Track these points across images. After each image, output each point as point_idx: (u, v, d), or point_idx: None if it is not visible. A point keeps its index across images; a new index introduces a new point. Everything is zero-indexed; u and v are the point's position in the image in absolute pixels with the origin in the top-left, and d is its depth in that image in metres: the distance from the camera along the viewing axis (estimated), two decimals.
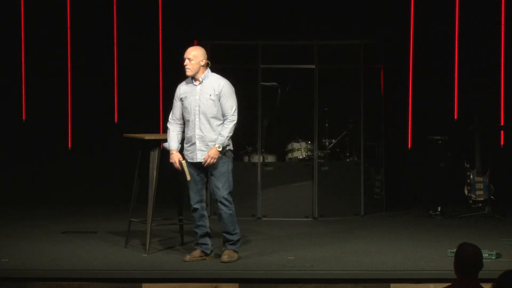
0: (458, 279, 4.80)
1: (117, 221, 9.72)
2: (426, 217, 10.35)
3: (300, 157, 10.48)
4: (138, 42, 11.39)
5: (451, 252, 7.73)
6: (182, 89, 7.70)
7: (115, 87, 11.39)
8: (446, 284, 4.90)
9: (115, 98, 11.40)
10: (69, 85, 11.37)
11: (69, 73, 11.36)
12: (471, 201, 10.65)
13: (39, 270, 7.39)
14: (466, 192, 10.69)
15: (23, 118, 11.40)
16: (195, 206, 7.73)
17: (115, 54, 11.37)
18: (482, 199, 10.57)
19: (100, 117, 11.44)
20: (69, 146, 11.42)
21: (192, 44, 10.89)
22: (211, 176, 7.67)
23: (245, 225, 9.81)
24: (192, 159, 7.64)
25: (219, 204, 7.69)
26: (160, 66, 11.38)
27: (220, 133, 7.60)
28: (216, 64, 10.58)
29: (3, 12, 11.38)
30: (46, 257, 7.91)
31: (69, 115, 11.40)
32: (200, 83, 7.64)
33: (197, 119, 7.59)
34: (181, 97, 7.70)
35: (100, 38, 11.40)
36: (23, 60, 11.37)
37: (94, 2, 11.40)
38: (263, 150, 10.49)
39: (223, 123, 7.61)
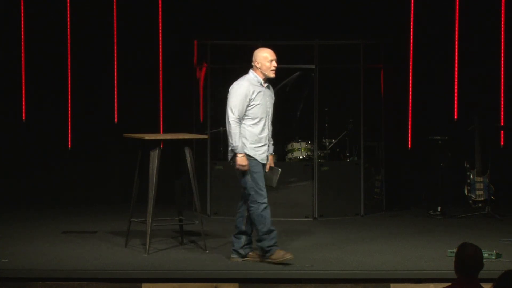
0: (458, 279, 4.81)
1: (117, 221, 9.72)
2: (426, 217, 10.35)
3: (300, 157, 10.48)
4: (138, 42, 11.39)
5: (451, 252, 7.73)
6: (252, 88, 7.59)
7: (115, 87, 11.39)
8: (446, 284, 4.90)
9: (115, 98, 11.40)
10: (69, 85, 11.36)
11: (69, 73, 11.35)
12: (471, 201, 10.66)
13: (39, 270, 7.39)
14: (466, 192, 10.69)
15: (23, 118, 11.40)
16: (267, 203, 7.65)
17: (115, 54, 11.37)
18: (482, 199, 10.57)
19: (100, 117, 11.44)
20: (69, 146, 11.42)
21: (192, 44, 10.98)
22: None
23: None
24: (263, 160, 7.67)
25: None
26: (160, 66, 11.37)
27: (272, 141, 7.78)
28: (216, 64, 10.65)
29: (3, 12, 11.37)
30: (46, 257, 7.91)
31: (69, 115, 11.39)
32: (266, 86, 7.70)
33: (268, 120, 7.66)
34: (253, 96, 7.58)
35: (100, 38, 11.39)
36: (23, 60, 11.36)
37: (94, 2, 11.39)
38: None
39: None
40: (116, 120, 11.41)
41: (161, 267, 7.50)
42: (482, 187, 10.60)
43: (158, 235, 8.75)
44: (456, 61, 11.35)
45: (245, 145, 7.56)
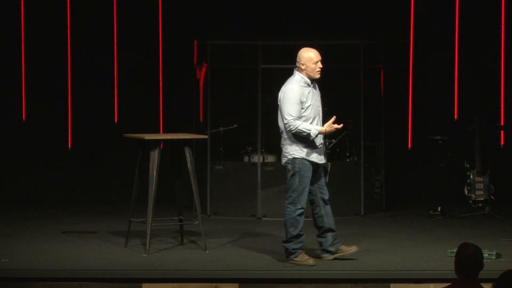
0: (459, 279, 4.81)
1: (117, 221, 9.72)
2: (426, 217, 10.35)
3: None
4: (138, 42, 11.39)
5: (451, 252, 7.73)
6: (302, 90, 7.61)
7: (115, 87, 11.39)
8: (446, 284, 4.90)
9: (115, 98, 11.40)
10: (69, 85, 11.36)
11: (69, 73, 11.35)
12: (471, 201, 10.65)
13: (39, 270, 7.39)
14: (466, 192, 10.69)
15: (23, 118, 11.40)
16: (304, 208, 7.66)
17: (115, 54, 11.37)
18: (482, 199, 10.57)
19: (100, 117, 11.44)
20: (69, 146, 11.42)
21: (192, 44, 10.97)
22: (319, 176, 7.75)
23: (245, 225, 9.83)
24: (321, 160, 7.69)
25: (327, 202, 7.74)
26: (160, 66, 11.37)
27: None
28: (216, 64, 10.64)
29: (3, 12, 11.37)
30: (46, 257, 7.91)
31: (69, 115, 11.39)
32: (313, 86, 7.70)
33: (320, 120, 7.67)
34: (305, 99, 7.60)
35: (100, 37, 11.39)
36: (23, 60, 11.36)
37: (94, 2, 11.39)
38: (263, 150, 10.50)
39: None
40: (116, 120, 11.40)
41: (161, 267, 7.50)
42: (482, 187, 10.59)
43: (158, 235, 8.75)
44: (456, 61, 11.34)
45: (301, 148, 7.59)
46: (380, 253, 8.10)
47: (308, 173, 7.61)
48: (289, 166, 7.63)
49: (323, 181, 7.80)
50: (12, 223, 9.84)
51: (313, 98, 7.65)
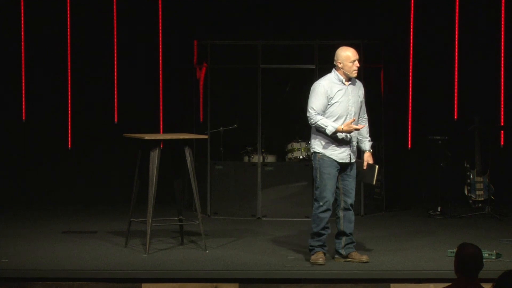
0: (458, 279, 4.81)
1: (117, 221, 9.72)
2: (426, 217, 10.35)
3: (300, 157, 10.49)
4: (138, 42, 11.39)
5: (451, 252, 7.73)
6: (331, 86, 7.59)
7: (115, 87, 11.39)
8: (446, 284, 4.90)
9: (115, 98, 11.40)
10: (69, 85, 11.37)
11: (69, 73, 11.36)
12: (471, 201, 10.66)
13: (39, 270, 7.39)
14: (466, 192, 10.69)
15: (23, 118, 11.40)
16: (330, 207, 7.60)
17: (115, 53, 11.37)
18: (482, 199, 10.57)
19: (100, 117, 11.44)
20: (69, 146, 11.42)
21: (192, 44, 10.97)
22: (347, 178, 7.68)
23: (245, 225, 9.83)
24: (342, 159, 7.62)
25: (350, 207, 7.67)
26: (160, 66, 11.38)
27: (368, 137, 7.80)
28: (216, 64, 10.65)
29: (3, 12, 11.38)
30: (46, 257, 7.90)
31: (69, 115, 11.39)
32: (349, 84, 7.66)
33: (349, 118, 7.60)
34: (333, 95, 7.58)
35: (100, 37, 11.40)
36: (23, 60, 11.36)
37: (94, 2, 11.39)
38: (263, 150, 10.50)
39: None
40: (116, 120, 11.41)
41: (161, 267, 7.50)
42: (482, 187, 10.60)
43: (158, 235, 8.75)
44: (456, 61, 11.35)
45: (321, 143, 7.59)
46: (380, 253, 8.09)
47: (329, 170, 7.58)
48: (312, 162, 7.71)
49: (351, 183, 7.69)
50: (12, 223, 9.84)
51: (345, 97, 7.60)
